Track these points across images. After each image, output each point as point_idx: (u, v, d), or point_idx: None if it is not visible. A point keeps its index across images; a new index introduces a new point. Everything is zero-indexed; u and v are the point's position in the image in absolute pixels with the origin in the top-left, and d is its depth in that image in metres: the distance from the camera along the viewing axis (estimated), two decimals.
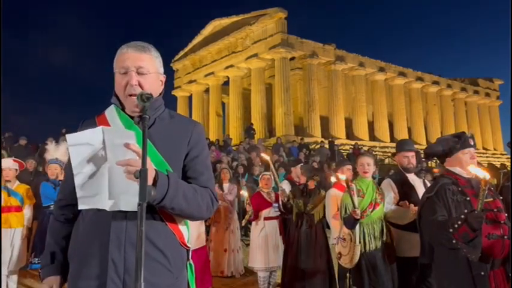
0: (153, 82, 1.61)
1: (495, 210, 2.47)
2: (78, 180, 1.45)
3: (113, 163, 1.37)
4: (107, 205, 1.42)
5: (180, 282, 1.55)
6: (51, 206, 4.91)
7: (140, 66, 1.56)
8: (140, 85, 1.55)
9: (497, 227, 2.42)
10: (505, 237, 2.41)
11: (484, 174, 2.13)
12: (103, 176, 1.41)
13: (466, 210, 2.39)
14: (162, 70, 1.67)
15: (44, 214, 5.19)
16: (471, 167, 2.37)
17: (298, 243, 4.56)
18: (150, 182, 1.35)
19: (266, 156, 4.94)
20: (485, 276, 2.38)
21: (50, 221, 1.69)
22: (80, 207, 1.48)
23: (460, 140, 2.68)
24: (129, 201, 1.39)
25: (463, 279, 2.42)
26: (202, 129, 1.71)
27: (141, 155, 1.27)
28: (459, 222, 2.29)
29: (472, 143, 2.68)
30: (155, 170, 1.40)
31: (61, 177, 4.94)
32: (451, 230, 2.33)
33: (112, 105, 1.65)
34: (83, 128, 1.64)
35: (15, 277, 4.84)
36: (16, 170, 4.99)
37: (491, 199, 2.50)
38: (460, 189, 2.54)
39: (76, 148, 1.44)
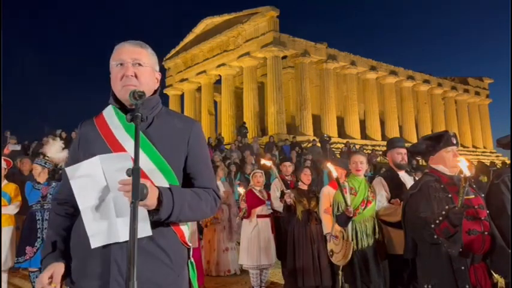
0: (149, 75, 1.61)
1: (476, 207, 2.54)
2: (86, 218, 1.45)
3: (115, 191, 1.37)
4: (120, 237, 1.41)
5: (181, 279, 1.56)
6: (33, 206, 4.92)
7: (136, 58, 1.57)
8: (136, 76, 1.56)
9: (478, 223, 2.49)
10: (486, 233, 2.48)
11: (466, 172, 2.22)
12: (109, 208, 1.42)
13: (447, 207, 2.46)
14: (157, 68, 1.69)
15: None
16: (459, 162, 2.42)
17: (311, 240, 4.57)
18: (154, 200, 1.38)
19: (268, 163, 4.95)
20: (465, 271, 2.46)
21: (50, 216, 1.68)
22: (92, 246, 1.44)
23: (443, 139, 2.76)
24: (139, 227, 1.37)
25: (444, 273, 2.49)
26: (201, 128, 1.71)
27: (133, 155, 1.27)
28: (440, 218, 2.38)
29: (454, 142, 2.76)
30: (158, 188, 1.41)
31: (39, 179, 4.96)
32: (432, 226, 2.41)
33: (110, 106, 1.65)
34: (82, 129, 1.65)
35: (4, 276, 4.80)
36: (5, 169, 4.99)
37: (473, 196, 2.57)
38: (442, 186, 2.62)
39: (77, 181, 1.45)
